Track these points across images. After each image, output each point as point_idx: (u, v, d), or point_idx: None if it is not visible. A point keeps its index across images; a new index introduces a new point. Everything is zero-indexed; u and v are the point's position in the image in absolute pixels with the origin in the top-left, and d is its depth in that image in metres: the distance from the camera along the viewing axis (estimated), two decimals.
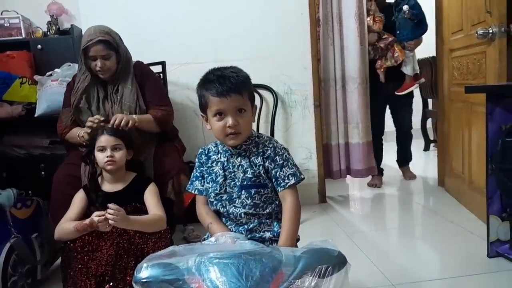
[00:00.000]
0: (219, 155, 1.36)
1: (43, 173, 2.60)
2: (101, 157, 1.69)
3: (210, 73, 1.29)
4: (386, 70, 3.26)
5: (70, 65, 2.62)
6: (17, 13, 2.87)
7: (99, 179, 1.76)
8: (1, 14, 2.90)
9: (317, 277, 0.99)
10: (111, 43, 1.95)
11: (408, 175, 3.55)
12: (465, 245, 2.11)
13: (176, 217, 2.01)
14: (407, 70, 3.27)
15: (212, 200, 1.35)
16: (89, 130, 1.84)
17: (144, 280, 1.00)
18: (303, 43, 2.87)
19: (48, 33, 2.94)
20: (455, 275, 1.79)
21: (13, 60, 2.74)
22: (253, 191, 1.30)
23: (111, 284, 1.47)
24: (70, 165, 1.95)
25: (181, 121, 2.66)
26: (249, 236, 1.30)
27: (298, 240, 1.35)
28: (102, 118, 1.85)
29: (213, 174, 1.35)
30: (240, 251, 1.04)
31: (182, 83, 2.79)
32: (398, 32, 3.22)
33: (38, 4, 2.96)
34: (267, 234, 1.32)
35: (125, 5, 2.76)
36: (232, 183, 1.32)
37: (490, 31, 2.15)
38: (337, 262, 1.03)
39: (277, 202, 1.34)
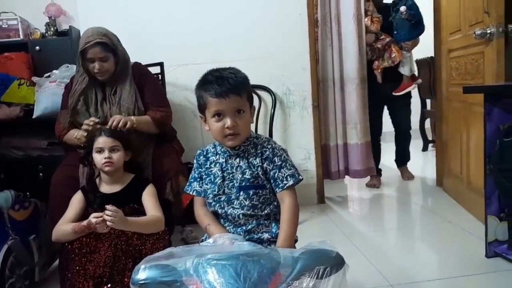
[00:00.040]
0: (218, 156, 1.36)
1: (41, 174, 2.60)
2: (99, 159, 1.68)
3: (208, 74, 1.29)
4: (383, 70, 3.26)
5: (68, 66, 2.62)
6: (15, 15, 2.88)
7: (97, 180, 1.76)
8: None
9: (315, 278, 0.99)
10: (108, 45, 1.94)
11: (406, 175, 3.56)
12: (463, 245, 2.11)
13: (174, 218, 2.01)
14: (405, 70, 3.27)
15: (211, 201, 1.35)
16: (85, 134, 1.83)
17: (142, 282, 1.00)
18: (301, 43, 2.87)
19: (46, 34, 2.94)
20: (454, 275, 1.79)
21: (11, 62, 2.74)
22: (251, 192, 1.30)
23: (109, 285, 1.46)
24: (68, 167, 1.94)
25: (180, 122, 2.65)
26: (247, 237, 1.30)
27: (296, 241, 1.35)
28: (97, 120, 1.84)
29: (212, 175, 1.35)
30: (238, 253, 1.04)
31: (181, 84, 2.79)
32: (395, 32, 3.22)
33: (36, 5, 2.97)
34: (266, 235, 1.31)
35: (124, 6, 2.76)
36: (231, 184, 1.32)
37: (488, 31, 2.16)
38: (335, 263, 1.03)
39: (275, 203, 1.34)
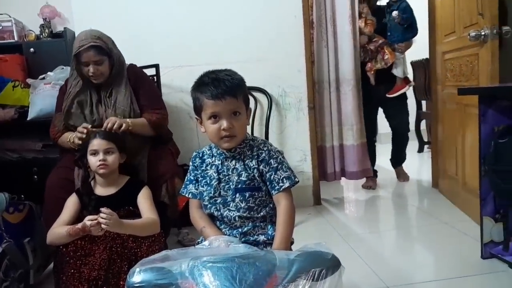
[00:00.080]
0: (214, 158, 1.36)
1: (36, 177, 2.59)
2: (93, 161, 1.67)
3: (204, 76, 1.29)
4: (376, 72, 3.26)
5: (63, 68, 2.61)
6: (10, 16, 2.86)
7: (92, 182, 1.75)
8: None
9: (311, 280, 0.99)
10: (103, 48, 1.92)
11: (402, 176, 3.56)
12: (459, 246, 2.11)
13: (170, 221, 2.01)
14: (398, 72, 3.28)
15: (206, 203, 1.35)
16: (80, 142, 1.82)
17: (137, 285, 0.99)
18: (297, 45, 2.87)
19: (41, 36, 2.93)
20: (449, 277, 1.79)
21: (5, 64, 2.72)
22: (247, 194, 1.30)
23: None
24: (63, 169, 1.93)
25: (176, 124, 2.65)
26: (243, 239, 1.30)
27: (292, 243, 1.34)
28: (90, 127, 1.83)
29: (208, 178, 1.35)
30: (233, 255, 1.04)
31: (176, 86, 2.79)
32: (389, 34, 3.24)
33: (31, 7, 2.95)
34: (261, 237, 1.31)
35: (118, 8, 2.75)
36: (227, 186, 1.32)
37: (482, 33, 2.17)
38: (331, 265, 1.03)
39: (271, 205, 1.34)
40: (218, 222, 1.35)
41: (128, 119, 1.91)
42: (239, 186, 1.30)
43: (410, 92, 3.58)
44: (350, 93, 3.11)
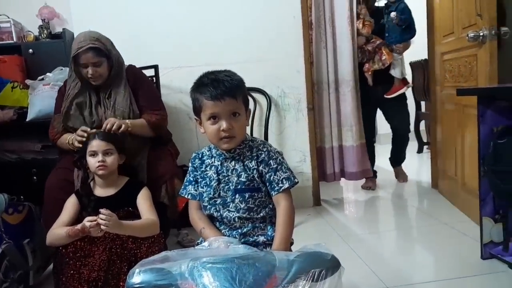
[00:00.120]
0: (213, 159, 1.36)
1: (35, 177, 2.59)
2: (92, 162, 1.67)
3: (204, 77, 1.29)
4: (374, 73, 3.26)
5: (62, 69, 2.61)
6: (8, 17, 2.86)
7: (91, 183, 1.75)
8: None
9: (310, 281, 0.99)
10: (101, 49, 1.91)
11: (401, 176, 3.57)
12: (458, 247, 2.12)
13: (169, 222, 2.01)
14: (396, 73, 3.27)
15: (206, 204, 1.35)
16: (80, 145, 1.81)
17: (137, 286, 0.99)
18: (296, 46, 2.87)
19: (40, 37, 2.93)
20: (449, 277, 1.79)
21: (4, 65, 2.72)
22: (247, 195, 1.30)
23: None
24: (62, 170, 1.93)
25: (175, 125, 2.65)
26: (242, 240, 1.29)
27: (292, 243, 1.34)
28: (89, 129, 1.82)
29: (207, 178, 1.35)
30: (233, 256, 1.04)
31: (175, 87, 2.79)
32: (387, 35, 3.25)
33: (30, 8, 2.95)
34: (261, 238, 1.31)
35: (117, 9, 2.75)
36: (226, 187, 1.32)
37: (481, 34, 2.17)
38: (331, 265, 1.02)
39: (271, 206, 1.34)
40: (217, 223, 1.35)
41: (127, 120, 1.91)
42: (239, 187, 1.30)
43: (409, 93, 3.58)
44: (349, 94, 3.12)
